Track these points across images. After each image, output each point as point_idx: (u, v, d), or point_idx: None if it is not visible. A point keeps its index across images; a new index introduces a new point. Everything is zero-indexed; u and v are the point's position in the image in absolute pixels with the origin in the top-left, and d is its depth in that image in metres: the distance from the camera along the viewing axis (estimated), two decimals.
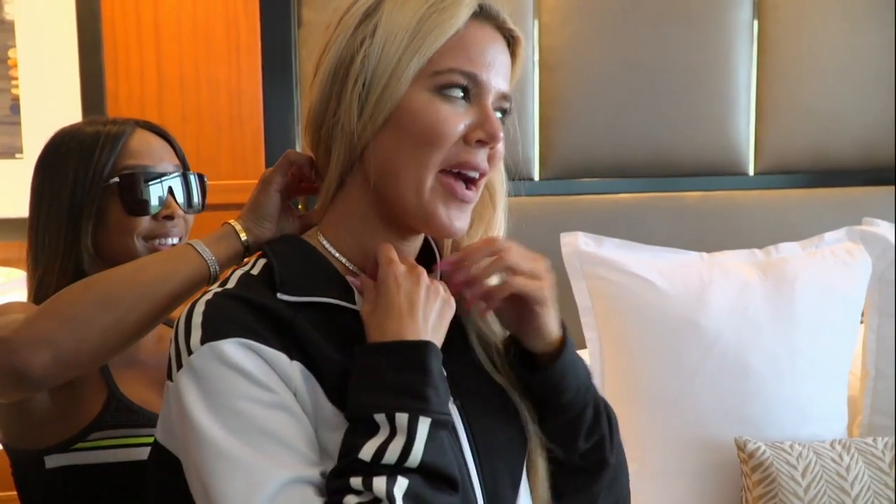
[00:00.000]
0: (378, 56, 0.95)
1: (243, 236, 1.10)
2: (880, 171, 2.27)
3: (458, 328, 1.04)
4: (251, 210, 1.12)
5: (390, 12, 0.96)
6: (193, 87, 2.05)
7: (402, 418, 0.87)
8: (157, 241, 1.34)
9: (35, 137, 2.02)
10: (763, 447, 1.73)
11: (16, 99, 1.99)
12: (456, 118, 0.96)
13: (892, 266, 1.90)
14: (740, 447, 1.75)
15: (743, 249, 1.94)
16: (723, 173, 2.25)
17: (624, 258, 1.87)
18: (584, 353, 1.94)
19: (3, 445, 1.35)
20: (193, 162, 1.42)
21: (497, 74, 0.98)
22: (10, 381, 1.07)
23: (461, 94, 0.96)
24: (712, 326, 1.81)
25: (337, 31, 0.99)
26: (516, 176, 1.10)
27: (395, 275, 0.95)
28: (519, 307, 1.02)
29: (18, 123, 2.00)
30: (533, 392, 1.05)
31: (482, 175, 0.99)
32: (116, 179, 1.32)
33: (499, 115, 1.00)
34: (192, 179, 1.39)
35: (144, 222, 1.33)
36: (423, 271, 0.97)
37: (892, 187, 2.24)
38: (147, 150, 1.35)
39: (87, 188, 1.31)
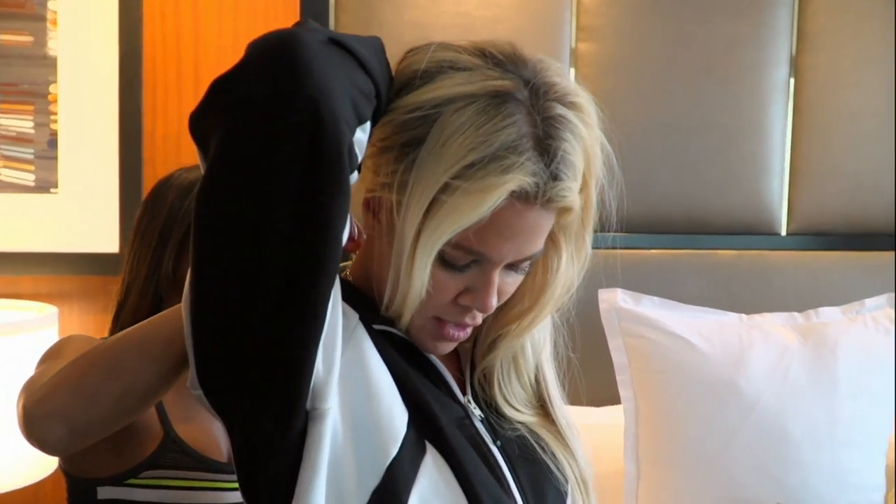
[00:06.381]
0: (404, 214, 0.89)
1: None
2: None
3: (476, 375, 1.04)
4: None
5: (431, 146, 0.87)
6: None
7: None
8: None
9: (70, 173, 2.02)
10: None
11: (54, 134, 1.99)
12: (451, 284, 0.92)
13: None
14: None
15: (782, 312, 1.92)
16: (754, 232, 2.24)
17: (662, 317, 1.85)
18: (618, 411, 1.93)
19: (62, 470, 1.38)
20: None
21: (518, 253, 0.92)
22: (33, 446, 1.08)
23: (467, 262, 0.91)
24: (752, 389, 1.78)
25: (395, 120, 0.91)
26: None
27: None
28: None
29: (55, 158, 1.99)
30: None
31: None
32: None
33: (513, 272, 0.95)
34: None
35: None
36: None
37: None
38: None
39: (178, 218, 1.37)
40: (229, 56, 2.05)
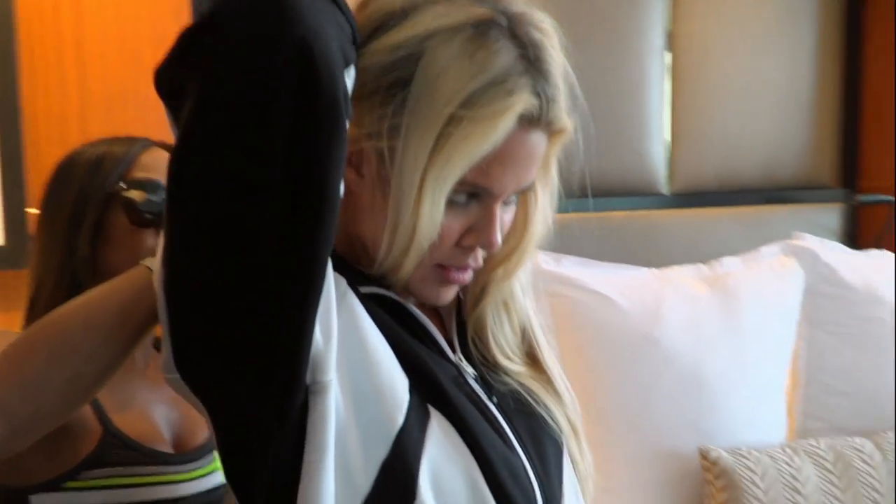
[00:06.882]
0: (402, 157, 0.84)
1: None
2: (778, 191, 2.43)
3: (464, 329, 1.01)
4: None
5: (421, 83, 0.83)
6: (120, 104, 1.90)
7: None
8: None
9: None
10: (724, 454, 1.80)
11: None
12: (455, 226, 0.89)
13: (823, 278, 2.03)
14: (704, 455, 1.81)
15: (689, 265, 2.01)
16: (640, 193, 2.33)
17: (583, 275, 1.90)
18: None
19: None
20: None
21: (518, 183, 0.89)
22: None
23: (466, 199, 0.88)
24: (668, 341, 1.86)
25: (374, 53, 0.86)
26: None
27: None
28: None
29: None
30: None
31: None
32: (123, 185, 1.24)
33: (514, 198, 0.92)
34: None
35: (149, 239, 1.24)
36: None
37: (791, 206, 2.41)
38: (158, 164, 1.26)
39: (90, 197, 1.25)
40: (112, 22, 1.91)
